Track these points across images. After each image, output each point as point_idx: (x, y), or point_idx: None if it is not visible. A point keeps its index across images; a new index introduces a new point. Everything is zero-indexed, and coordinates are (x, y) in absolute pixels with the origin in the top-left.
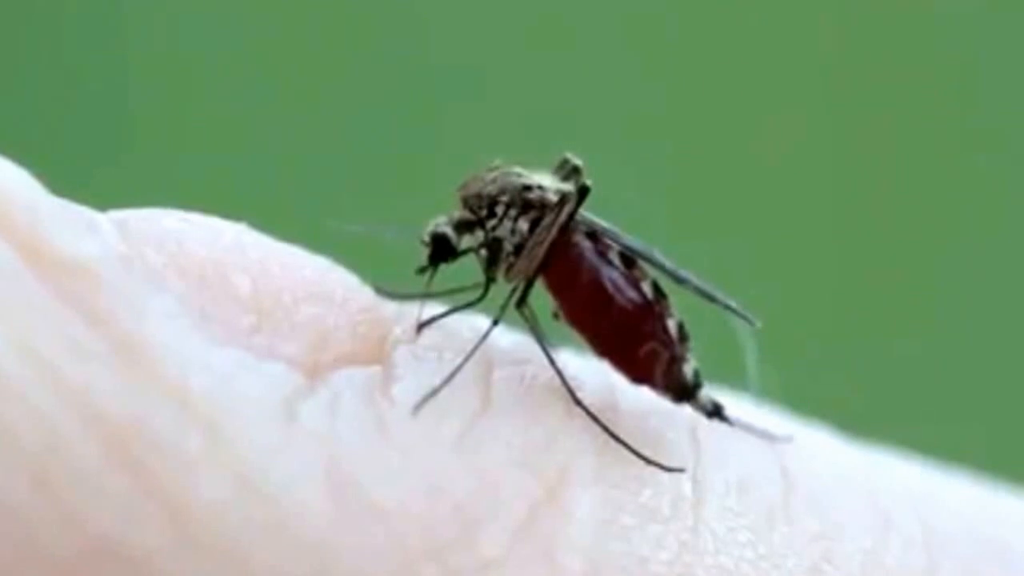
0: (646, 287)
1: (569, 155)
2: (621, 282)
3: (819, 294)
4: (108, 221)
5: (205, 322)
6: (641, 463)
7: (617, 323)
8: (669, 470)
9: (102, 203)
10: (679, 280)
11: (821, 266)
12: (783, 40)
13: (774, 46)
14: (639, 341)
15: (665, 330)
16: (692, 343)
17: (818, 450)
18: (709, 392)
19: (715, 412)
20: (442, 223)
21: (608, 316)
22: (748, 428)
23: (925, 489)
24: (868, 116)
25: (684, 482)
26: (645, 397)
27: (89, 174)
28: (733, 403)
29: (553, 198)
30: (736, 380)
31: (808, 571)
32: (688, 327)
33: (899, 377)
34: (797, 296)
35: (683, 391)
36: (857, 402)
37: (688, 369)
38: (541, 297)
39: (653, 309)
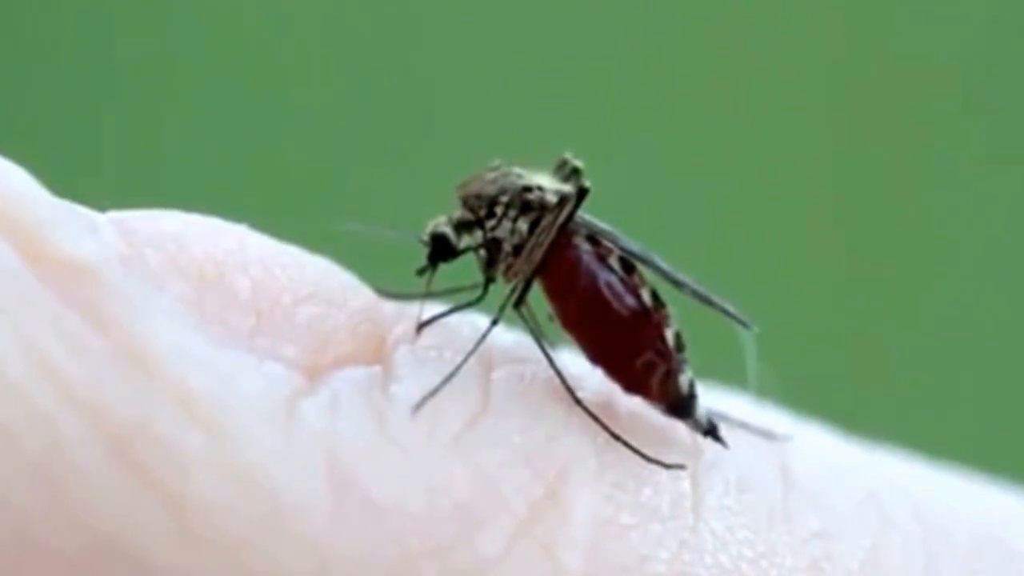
0: (645, 294)
1: (568, 156)
2: (619, 288)
3: (818, 294)
4: (109, 222)
5: (205, 322)
6: (641, 462)
7: (614, 331)
8: (669, 467)
9: (102, 204)
10: (677, 284)
11: (820, 266)
12: (783, 40)
13: (774, 46)
14: (636, 351)
15: (663, 340)
16: (688, 353)
17: (817, 449)
18: (705, 407)
19: (710, 431)
20: (442, 223)
21: (604, 323)
22: (747, 427)
23: (924, 488)
24: (868, 116)
25: (684, 481)
26: None
27: (89, 175)
28: (732, 401)
29: (552, 199)
30: (735, 378)
31: (807, 569)
32: (685, 336)
33: (898, 376)
34: (796, 295)
35: (678, 403)
36: (857, 402)
37: (684, 380)
38: (540, 297)
39: (651, 318)
